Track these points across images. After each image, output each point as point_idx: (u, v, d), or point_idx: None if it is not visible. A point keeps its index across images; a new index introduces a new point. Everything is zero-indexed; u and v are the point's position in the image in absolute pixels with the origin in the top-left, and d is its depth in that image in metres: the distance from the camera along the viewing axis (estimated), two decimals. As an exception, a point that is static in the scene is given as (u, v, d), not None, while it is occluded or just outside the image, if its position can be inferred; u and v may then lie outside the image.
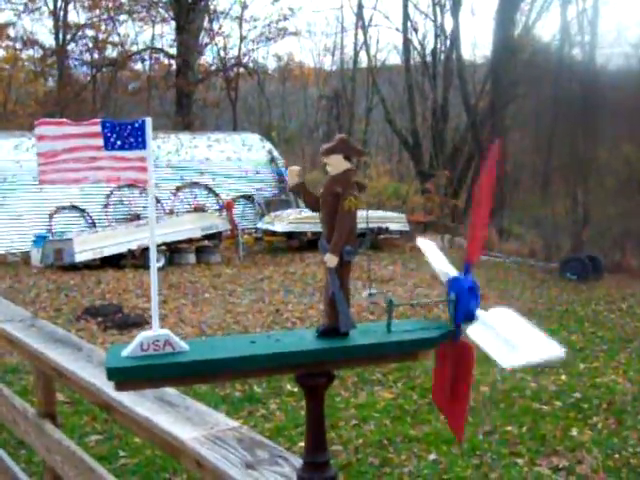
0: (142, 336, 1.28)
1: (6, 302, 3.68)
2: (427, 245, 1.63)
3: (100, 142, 1.23)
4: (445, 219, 23.41)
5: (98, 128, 1.22)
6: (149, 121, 1.24)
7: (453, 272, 1.47)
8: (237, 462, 1.81)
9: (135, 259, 18.19)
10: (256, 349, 1.33)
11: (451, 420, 1.45)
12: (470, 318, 1.42)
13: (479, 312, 1.41)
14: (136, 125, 1.23)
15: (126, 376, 1.26)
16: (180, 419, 2.10)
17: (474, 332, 1.37)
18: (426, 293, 14.62)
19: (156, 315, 1.32)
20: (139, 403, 2.24)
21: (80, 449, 2.82)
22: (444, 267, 1.50)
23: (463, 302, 1.42)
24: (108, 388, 2.36)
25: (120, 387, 1.28)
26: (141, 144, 1.24)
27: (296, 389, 8.51)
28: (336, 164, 1.33)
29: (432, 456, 6.55)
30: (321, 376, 1.37)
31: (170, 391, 2.32)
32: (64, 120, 1.21)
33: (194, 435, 1.97)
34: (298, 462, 1.56)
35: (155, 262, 1.34)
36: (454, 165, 28.42)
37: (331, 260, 1.33)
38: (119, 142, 1.23)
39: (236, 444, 1.91)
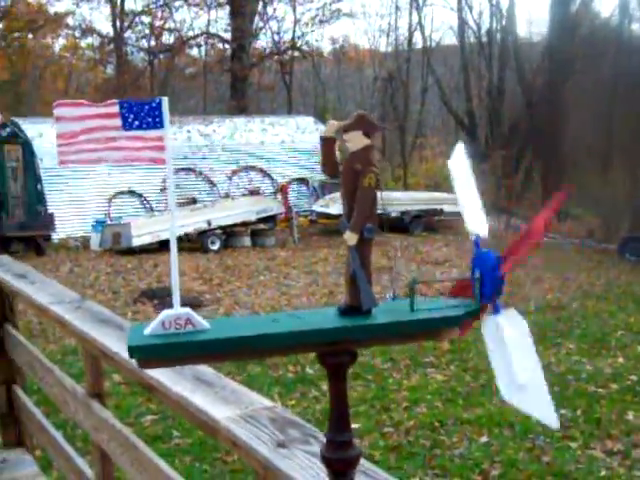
0: (164, 314, 1.29)
1: (56, 284, 3.76)
2: (460, 172, 1.51)
3: (118, 122, 1.24)
4: (501, 200, 23.12)
5: (116, 108, 1.23)
6: (165, 100, 1.25)
7: (484, 232, 1.42)
8: (268, 440, 1.82)
9: (191, 242, 18.42)
10: (277, 327, 1.32)
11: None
12: (495, 297, 1.39)
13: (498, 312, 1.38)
14: (153, 104, 1.24)
15: (147, 354, 1.27)
16: (216, 398, 2.12)
17: (487, 333, 1.35)
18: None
19: (177, 293, 1.33)
20: (177, 383, 2.26)
21: (125, 428, 2.86)
22: (475, 221, 1.44)
23: (488, 281, 1.39)
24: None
25: (142, 365, 1.29)
26: (159, 123, 1.25)
27: (349, 370, 8.53)
28: (355, 141, 1.31)
29: (484, 438, 6.52)
30: (343, 354, 1.36)
31: (208, 371, 2.34)
32: (82, 101, 1.22)
33: (228, 414, 1.99)
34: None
35: (175, 242, 1.35)
36: (511, 145, 28.01)
37: (351, 238, 1.32)
38: (137, 122, 1.24)
39: (269, 423, 1.92)
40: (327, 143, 1.36)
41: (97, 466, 3.27)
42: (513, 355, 1.34)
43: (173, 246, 1.33)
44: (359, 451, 1.42)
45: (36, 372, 3.87)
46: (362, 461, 1.66)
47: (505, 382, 1.32)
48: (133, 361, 1.31)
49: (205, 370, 2.35)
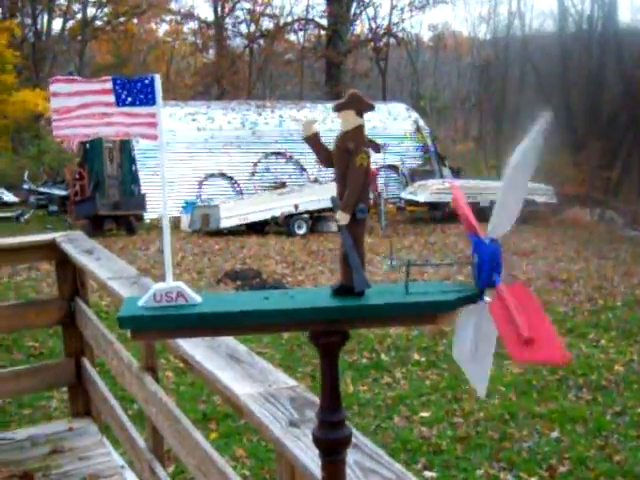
0: (155, 287, 1.32)
1: (119, 261, 3.87)
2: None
3: (111, 98, 1.26)
4: (596, 192, 22.47)
5: (109, 85, 1.26)
6: (158, 77, 1.27)
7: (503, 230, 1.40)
8: (282, 419, 1.84)
9: (278, 226, 18.61)
10: (268, 304, 1.33)
11: (544, 354, 1.33)
12: (491, 285, 1.37)
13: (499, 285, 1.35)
14: (146, 82, 1.26)
15: (136, 325, 1.30)
16: (243, 376, 2.15)
17: (491, 305, 1.32)
18: (568, 268, 14.13)
19: (169, 269, 1.36)
20: (210, 359, 2.31)
21: (171, 402, 2.94)
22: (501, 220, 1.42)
23: (486, 266, 1.36)
24: (185, 344, 2.45)
25: (134, 335, 1.32)
26: (151, 100, 1.27)
27: (423, 359, 8.50)
28: (347, 120, 1.31)
29: (554, 434, 6.39)
30: (334, 334, 1.36)
31: (241, 348, 2.38)
32: (77, 77, 1.26)
33: (250, 391, 2.02)
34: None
35: (167, 220, 1.38)
36: (608, 136, 27.16)
37: (343, 218, 1.32)
38: (130, 98, 1.26)
39: (287, 402, 1.94)
40: (313, 142, 1.36)
41: (149, 437, 3.37)
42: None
43: (166, 225, 1.36)
44: (349, 432, 1.42)
45: (100, 344, 4.00)
46: (362, 439, 1.67)
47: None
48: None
49: (239, 348, 2.39)
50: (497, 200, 1.34)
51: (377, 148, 1.34)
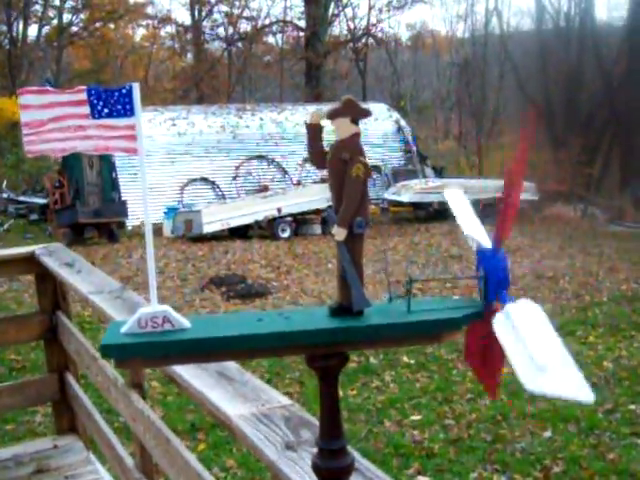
0: (140, 312, 1.23)
1: (101, 273, 3.75)
2: (456, 199, 1.43)
3: (86, 110, 1.17)
4: (578, 188, 22.51)
5: (84, 95, 1.16)
6: (136, 87, 1.17)
7: (486, 241, 1.33)
8: (277, 442, 1.75)
9: (262, 230, 18.51)
10: (261, 327, 1.24)
11: (485, 378, 1.29)
12: (500, 300, 1.28)
13: (508, 304, 1.26)
14: (123, 91, 1.17)
15: (120, 354, 1.21)
16: (234, 395, 2.06)
17: (499, 327, 1.22)
18: (553, 265, 14.12)
19: (154, 290, 1.26)
20: (198, 377, 2.21)
21: (159, 420, 2.83)
22: (476, 233, 1.35)
23: (493, 280, 1.28)
24: (172, 361, 2.35)
25: (118, 364, 1.23)
26: (129, 111, 1.18)
27: (412, 361, 8.43)
28: (342, 128, 1.22)
29: (547, 433, 6.33)
30: (333, 357, 1.27)
31: (232, 365, 2.29)
32: (47, 88, 1.16)
33: (242, 412, 1.92)
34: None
35: (151, 234, 1.29)
36: (588, 132, 27.21)
37: (339, 233, 1.23)
38: (106, 110, 1.17)
39: (282, 423, 1.85)
40: (313, 131, 1.27)
41: (137, 455, 3.27)
42: (527, 339, 1.21)
43: (149, 236, 1.27)
44: (352, 459, 1.33)
45: (83, 360, 3.89)
46: (363, 462, 1.58)
47: (525, 371, 1.17)
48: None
49: (229, 365, 2.29)
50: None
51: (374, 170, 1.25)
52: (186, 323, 1.25)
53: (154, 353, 1.22)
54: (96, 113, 1.17)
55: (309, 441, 1.74)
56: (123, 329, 1.24)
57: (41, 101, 1.16)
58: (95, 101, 1.16)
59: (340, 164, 1.22)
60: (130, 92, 1.17)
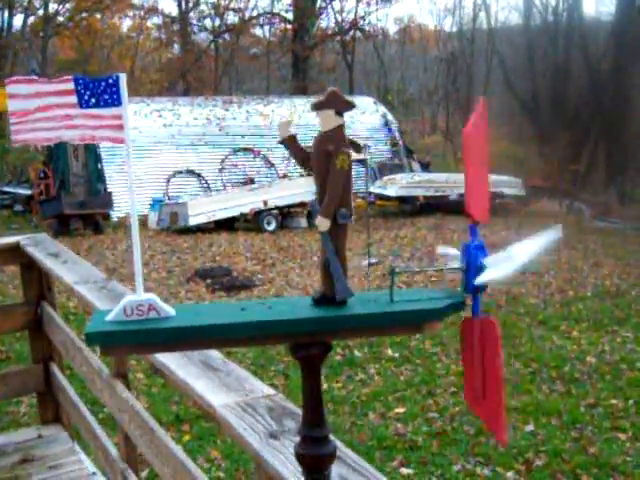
0: (125, 300, 1.24)
1: (87, 264, 3.76)
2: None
3: (74, 99, 1.18)
4: (564, 184, 22.60)
5: (71, 85, 1.17)
6: (123, 77, 1.18)
7: (453, 251, 1.37)
8: (261, 431, 1.77)
9: (248, 222, 18.50)
10: (245, 316, 1.26)
11: (488, 418, 1.33)
12: (480, 289, 1.31)
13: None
14: (110, 81, 1.18)
15: (105, 341, 1.22)
16: (218, 385, 2.08)
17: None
18: (538, 260, 14.16)
19: (140, 279, 1.28)
20: (183, 367, 2.23)
21: (144, 410, 2.85)
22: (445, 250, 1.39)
23: (472, 270, 1.30)
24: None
25: (103, 351, 1.24)
26: (116, 101, 1.19)
27: (397, 354, 8.46)
28: (326, 120, 1.23)
29: (529, 427, 6.38)
30: (315, 346, 1.29)
31: (215, 355, 2.30)
32: (35, 78, 1.17)
33: (226, 401, 1.94)
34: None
35: (136, 223, 1.30)
36: (575, 128, 27.32)
37: (322, 224, 1.24)
38: (93, 99, 1.18)
39: (265, 412, 1.87)
40: (289, 144, 1.29)
41: (121, 445, 3.28)
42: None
43: (135, 228, 1.28)
44: (334, 447, 1.35)
45: (68, 351, 3.90)
46: (345, 451, 1.60)
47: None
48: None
49: (213, 355, 2.31)
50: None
51: (358, 148, 1.27)
52: (171, 311, 1.27)
53: (138, 340, 1.24)
54: (83, 103, 1.18)
55: (292, 430, 1.76)
56: (108, 317, 1.25)
57: (29, 90, 1.17)
58: (82, 91, 1.17)
59: (324, 156, 1.24)
60: (117, 82, 1.18)
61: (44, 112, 1.18)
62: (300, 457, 1.35)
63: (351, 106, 1.24)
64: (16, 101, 1.17)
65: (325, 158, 1.23)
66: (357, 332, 1.32)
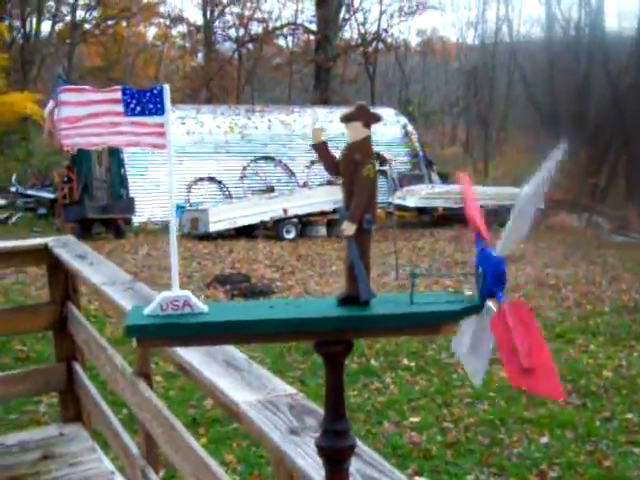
0: (162, 295, 1.33)
1: (113, 266, 3.86)
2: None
3: (120, 108, 1.27)
4: (584, 198, 22.56)
5: (119, 94, 1.26)
6: (167, 88, 1.27)
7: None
8: (282, 427, 1.84)
9: (267, 230, 18.61)
10: (273, 313, 1.34)
11: (538, 386, 1.36)
12: (493, 295, 1.38)
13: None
14: (155, 92, 1.27)
15: (142, 333, 1.30)
16: (241, 383, 2.15)
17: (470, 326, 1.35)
18: (556, 273, 14.20)
19: (176, 275, 1.36)
20: (207, 366, 2.31)
21: (165, 408, 2.93)
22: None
23: (490, 277, 1.37)
24: (182, 350, 2.45)
25: (140, 344, 1.32)
26: (160, 110, 1.28)
27: (413, 363, 8.51)
28: (355, 131, 1.31)
29: (544, 439, 6.41)
30: (338, 344, 1.37)
31: (239, 356, 2.38)
32: (86, 87, 1.26)
33: (249, 399, 2.02)
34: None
35: (174, 226, 1.38)
36: (595, 142, 27.27)
37: (349, 228, 1.32)
38: (139, 108, 1.27)
39: (287, 410, 1.94)
40: (320, 149, 1.37)
41: (142, 443, 3.37)
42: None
43: (172, 230, 1.36)
44: (354, 441, 1.43)
45: (92, 350, 3.99)
46: (363, 448, 1.67)
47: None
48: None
49: (236, 355, 2.39)
50: (507, 224, 1.35)
51: (383, 161, 1.35)
52: (204, 307, 1.35)
53: (173, 333, 1.32)
54: (129, 111, 1.27)
55: (313, 427, 1.83)
56: (146, 311, 1.34)
57: (79, 98, 1.26)
58: (129, 100, 1.26)
59: (351, 165, 1.32)
60: (161, 92, 1.27)
61: (92, 119, 1.27)
62: (321, 449, 1.42)
63: (378, 119, 1.32)
64: (67, 108, 1.27)
65: (353, 167, 1.32)
66: (378, 331, 1.40)
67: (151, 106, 1.27)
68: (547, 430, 6.60)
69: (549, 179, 1.32)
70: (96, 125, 1.27)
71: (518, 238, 1.36)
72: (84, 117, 1.27)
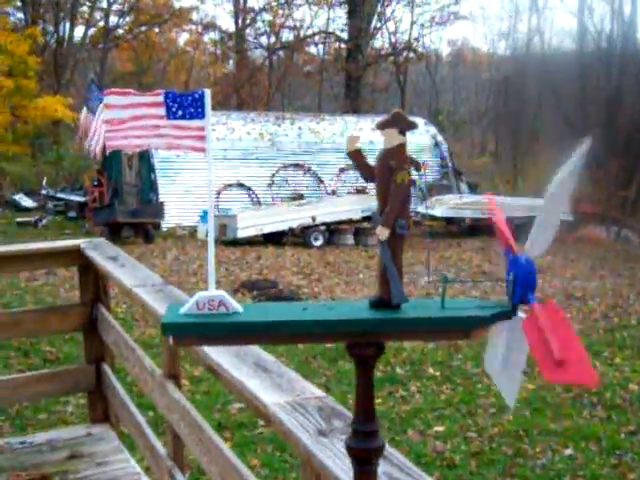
0: (198, 295, 1.36)
1: (144, 268, 3.91)
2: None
3: (162, 111, 1.31)
4: (613, 210, 22.39)
5: (161, 98, 1.30)
6: (208, 92, 1.31)
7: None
8: (311, 429, 1.87)
9: (295, 237, 18.67)
10: (306, 315, 1.37)
11: (573, 376, 1.38)
12: (525, 297, 1.40)
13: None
14: (196, 96, 1.31)
15: (178, 332, 1.34)
16: (270, 385, 2.18)
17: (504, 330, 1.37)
18: (583, 285, 14.10)
19: (212, 276, 1.40)
20: (237, 367, 2.34)
21: (194, 409, 2.97)
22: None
23: (520, 282, 1.39)
24: (213, 352, 2.48)
25: (175, 341, 1.36)
26: (200, 114, 1.31)
27: (438, 373, 8.50)
28: (390, 138, 1.34)
29: (568, 451, 6.38)
30: (370, 346, 1.39)
31: (268, 358, 2.41)
32: (130, 90, 1.30)
33: (278, 401, 2.05)
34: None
35: (213, 230, 1.42)
36: (627, 155, 27.01)
37: (382, 233, 1.35)
38: (180, 112, 1.31)
39: (315, 412, 1.97)
40: (355, 157, 1.40)
41: (169, 444, 3.41)
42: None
43: (211, 231, 1.40)
44: (382, 442, 1.45)
45: (121, 351, 4.04)
46: (391, 451, 1.70)
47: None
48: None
49: (266, 357, 2.42)
50: (535, 223, 1.37)
51: (418, 167, 1.37)
52: (239, 307, 1.38)
53: (209, 332, 1.36)
54: (171, 114, 1.31)
55: (340, 429, 1.86)
56: (182, 310, 1.37)
57: (123, 102, 1.30)
58: (171, 104, 1.30)
59: (386, 171, 1.35)
60: (202, 97, 1.31)
61: (135, 121, 1.31)
62: (350, 450, 1.45)
63: (414, 126, 1.35)
64: (111, 111, 1.31)
65: (387, 173, 1.34)
66: (410, 334, 1.42)
67: (192, 110, 1.31)
68: (571, 442, 6.57)
69: (575, 174, 1.33)
70: (139, 127, 1.31)
71: (548, 236, 1.37)
72: (128, 119, 1.31)
